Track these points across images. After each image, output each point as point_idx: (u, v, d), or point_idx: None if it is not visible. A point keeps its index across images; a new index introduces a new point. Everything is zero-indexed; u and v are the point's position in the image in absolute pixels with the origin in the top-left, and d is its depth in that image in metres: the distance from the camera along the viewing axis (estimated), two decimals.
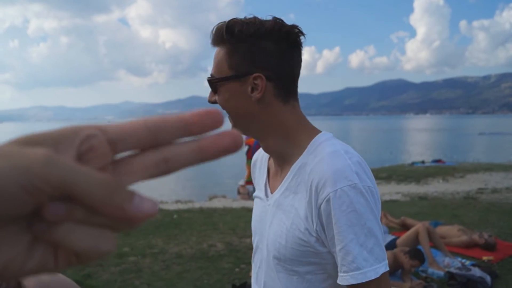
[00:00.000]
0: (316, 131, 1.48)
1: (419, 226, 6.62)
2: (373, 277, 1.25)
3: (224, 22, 1.39)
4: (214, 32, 1.42)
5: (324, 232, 1.31)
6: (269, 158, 1.67)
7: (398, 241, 6.60)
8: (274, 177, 1.58)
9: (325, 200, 1.28)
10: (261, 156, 1.74)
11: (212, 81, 1.44)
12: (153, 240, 7.84)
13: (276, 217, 1.47)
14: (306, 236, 1.34)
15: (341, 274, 1.29)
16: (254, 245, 1.65)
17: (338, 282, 1.31)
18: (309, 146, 1.42)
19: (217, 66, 1.42)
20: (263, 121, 1.44)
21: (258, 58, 1.38)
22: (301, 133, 1.47)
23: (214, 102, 1.45)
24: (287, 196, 1.44)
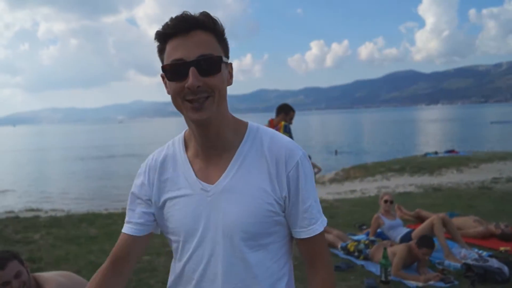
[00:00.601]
0: (242, 120, 1.65)
1: (433, 218, 6.57)
2: (326, 224, 1.63)
3: (203, 12, 1.46)
4: (200, 16, 1.44)
5: (289, 197, 1.53)
6: (185, 152, 1.65)
7: (413, 234, 6.56)
8: (203, 171, 1.59)
9: (293, 168, 1.52)
10: (167, 156, 1.68)
11: (217, 59, 1.45)
12: (167, 239, 7.84)
13: (229, 202, 1.51)
14: (275, 206, 1.51)
15: (308, 228, 1.57)
16: (189, 246, 1.60)
17: (298, 236, 1.59)
18: (247, 132, 1.59)
19: (210, 47, 1.44)
20: (225, 107, 1.54)
21: (228, 49, 1.54)
22: (236, 122, 1.62)
23: (197, 87, 1.41)
24: (240, 178, 1.53)
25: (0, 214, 13.05)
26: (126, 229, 1.68)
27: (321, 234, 1.60)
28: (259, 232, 1.52)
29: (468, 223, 7.35)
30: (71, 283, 3.53)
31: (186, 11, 1.45)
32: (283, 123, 7.21)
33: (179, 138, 1.71)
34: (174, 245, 1.67)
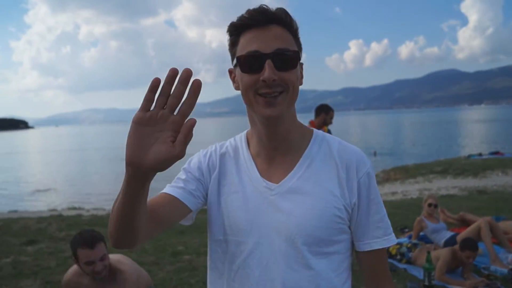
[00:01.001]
0: (305, 126, 1.59)
1: (481, 222, 6.40)
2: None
3: (280, 8, 1.41)
4: (277, 11, 1.39)
5: (358, 204, 1.46)
6: (248, 149, 1.58)
7: (459, 238, 6.40)
8: (269, 166, 1.52)
9: (365, 174, 1.47)
10: (228, 148, 1.62)
11: (294, 54, 1.39)
12: (207, 239, 7.89)
13: (294, 203, 1.44)
14: (343, 212, 1.44)
15: (383, 238, 1.49)
16: (244, 247, 1.48)
17: (367, 248, 1.49)
18: (314, 136, 1.55)
19: (287, 41, 1.39)
20: (294, 108, 1.50)
21: (301, 48, 1.49)
22: (301, 126, 1.57)
23: (273, 80, 1.34)
24: (308, 179, 1.46)
25: (44, 212, 13.39)
26: (171, 190, 1.52)
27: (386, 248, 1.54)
28: (324, 237, 1.43)
29: None
30: (133, 265, 3.65)
31: (263, 4, 1.40)
32: (326, 128, 7.14)
33: (240, 136, 1.65)
34: (223, 247, 1.53)
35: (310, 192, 1.44)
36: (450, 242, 6.47)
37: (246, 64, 1.39)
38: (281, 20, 1.39)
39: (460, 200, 11.17)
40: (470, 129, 71.96)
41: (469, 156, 23.76)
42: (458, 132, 63.11)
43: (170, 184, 1.56)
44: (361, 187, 1.45)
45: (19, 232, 9.64)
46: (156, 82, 0.98)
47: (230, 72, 1.50)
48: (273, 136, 1.48)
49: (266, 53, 1.35)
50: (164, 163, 1.02)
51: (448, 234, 6.80)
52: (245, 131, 1.64)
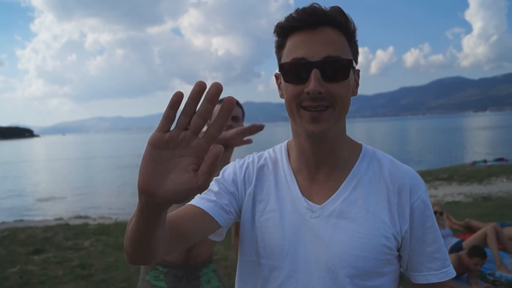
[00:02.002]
0: (354, 140, 1.44)
1: (487, 228, 6.42)
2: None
3: (335, 6, 1.25)
4: (331, 11, 1.23)
5: (411, 232, 1.29)
6: (289, 163, 1.41)
7: (465, 244, 6.42)
8: (307, 188, 1.36)
9: (419, 199, 1.29)
10: (267, 159, 1.46)
11: (345, 63, 1.23)
12: (215, 247, 7.91)
13: (337, 228, 1.27)
14: (392, 241, 1.27)
15: (441, 270, 1.30)
16: (279, 273, 1.32)
17: (423, 281, 1.31)
18: (363, 152, 1.39)
19: (340, 47, 1.23)
20: (344, 121, 1.34)
21: (357, 52, 1.33)
22: (350, 141, 1.41)
23: (318, 93, 1.18)
24: (353, 203, 1.29)
25: (50, 221, 13.42)
26: (201, 202, 1.35)
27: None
28: (369, 269, 1.26)
29: None
30: None
31: (316, 3, 1.23)
32: None
33: (280, 147, 1.48)
34: (255, 269, 1.38)
35: (356, 218, 1.27)
36: (455, 248, 6.49)
37: (290, 73, 1.24)
38: (335, 21, 1.23)
39: (465, 207, 11.16)
40: (475, 136, 71.72)
41: (474, 162, 23.68)
42: (463, 139, 62.89)
43: (199, 195, 1.37)
44: (414, 213, 1.28)
45: (26, 241, 9.68)
46: (178, 97, 0.82)
47: (277, 77, 1.36)
48: (318, 152, 1.33)
49: (313, 61, 1.19)
50: (183, 195, 0.85)
51: (454, 240, 6.81)
52: (286, 142, 1.48)
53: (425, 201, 1.29)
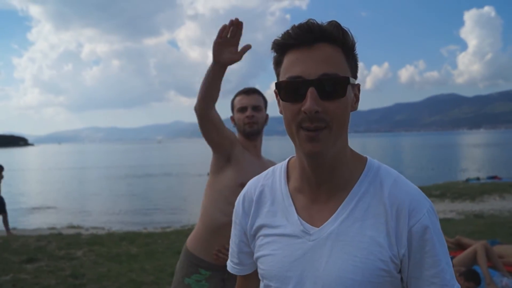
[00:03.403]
0: (360, 155, 1.41)
1: (477, 246, 6.48)
2: None
3: (332, 21, 1.24)
4: (328, 26, 1.22)
5: (409, 256, 1.25)
6: (287, 185, 1.42)
7: (455, 261, 6.47)
8: (306, 209, 1.36)
9: (418, 222, 1.24)
10: (265, 186, 1.47)
11: (342, 81, 1.22)
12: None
13: (335, 251, 1.27)
14: (389, 265, 1.24)
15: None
16: None
17: None
18: (365, 171, 1.34)
19: (336, 64, 1.22)
20: (344, 139, 1.31)
21: (357, 66, 1.32)
22: (354, 157, 1.38)
23: (315, 112, 1.19)
24: (351, 225, 1.27)
25: (43, 230, 13.40)
26: (240, 271, 1.57)
27: None
28: None
29: (510, 251, 7.19)
30: None
31: (312, 19, 1.23)
32: None
33: (281, 166, 1.48)
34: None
35: (352, 241, 1.26)
36: None
37: (286, 92, 1.24)
38: (332, 36, 1.22)
39: (457, 224, 11.23)
40: (468, 153, 72.00)
41: (467, 180, 23.78)
42: (457, 156, 63.12)
43: (234, 261, 1.57)
44: (412, 237, 1.24)
45: (19, 250, 9.66)
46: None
47: (276, 93, 1.32)
48: (318, 171, 1.31)
49: (309, 79, 1.19)
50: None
51: None
52: (287, 160, 1.49)
53: (425, 224, 1.24)
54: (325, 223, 1.30)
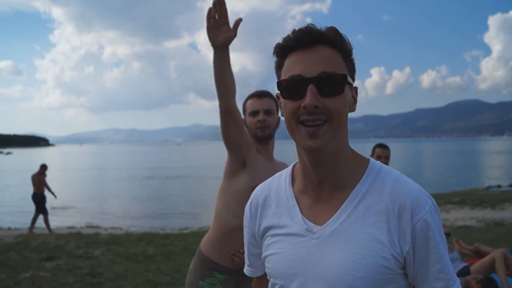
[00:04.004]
0: (363, 156, 1.45)
1: (496, 253, 6.40)
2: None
3: (330, 26, 1.31)
4: (326, 31, 1.29)
5: (414, 253, 1.28)
6: (293, 189, 1.47)
7: (472, 268, 6.41)
8: (311, 208, 1.40)
9: (421, 220, 1.26)
10: (270, 190, 1.53)
11: (340, 78, 1.28)
12: None
13: (335, 249, 1.31)
14: (391, 262, 1.27)
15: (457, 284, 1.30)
16: None
17: None
18: (367, 172, 1.37)
19: (335, 64, 1.28)
20: (343, 137, 1.36)
21: (354, 70, 1.38)
22: (355, 157, 1.42)
23: (315, 107, 1.24)
24: (352, 223, 1.30)
25: (62, 230, 13.58)
26: (254, 272, 1.63)
27: None
28: (368, 287, 1.28)
29: None
30: None
31: (311, 24, 1.30)
32: None
33: (287, 171, 1.53)
34: (272, 286, 1.48)
35: (354, 239, 1.29)
36: (463, 272, 6.47)
37: (287, 90, 1.30)
38: (330, 39, 1.28)
39: (476, 232, 11.11)
40: (490, 160, 71.09)
41: (488, 187, 23.52)
42: (478, 163, 62.37)
43: (246, 263, 1.64)
44: (416, 234, 1.26)
45: (38, 248, 9.82)
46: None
47: (278, 97, 1.39)
48: (318, 168, 1.35)
49: (308, 77, 1.25)
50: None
51: (462, 264, 6.79)
52: (292, 165, 1.54)
53: (428, 221, 1.26)
54: (328, 222, 1.33)
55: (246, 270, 1.65)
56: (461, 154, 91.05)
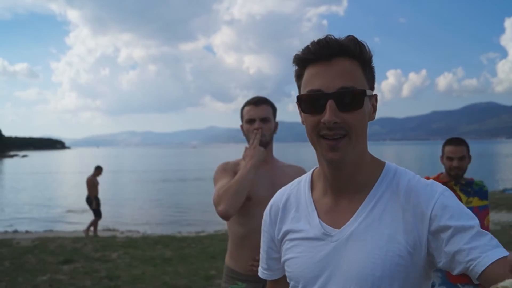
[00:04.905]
0: (379, 160, 1.47)
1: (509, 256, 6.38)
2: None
3: (349, 36, 1.32)
4: (345, 41, 1.30)
5: (437, 240, 1.23)
6: (311, 193, 1.51)
7: None
8: (329, 213, 1.43)
9: (436, 204, 1.25)
10: (290, 195, 1.57)
11: (359, 94, 1.29)
12: None
13: (355, 250, 1.33)
14: (406, 260, 1.28)
15: (486, 253, 1.12)
16: None
17: (479, 263, 1.12)
18: (383, 173, 1.41)
19: (354, 78, 1.29)
20: (363, 147, 1.38)
21: (374, 78, 1.39)
22: (373, 162, 1.44)
23: (334, 123, 1.26)
24: (369, 225, 1.33)
25: (80, 233, 13.69)
26: (270, 275, 1.66)
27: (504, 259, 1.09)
28: (388, 285, 1.29)
29: None
30: None
31: (330, 35, 1.30)
32: None
33: (306, 176, 1.58)
34: None
35: (371, 240, 1.31)
36: None
37: (307, 105, 1.32)
38: (349, 51, 1.29)
39: (492, 234, 11.03)
40: (506, 163, 70.34)
41: (504, 190, 23.32)
42: (494, 166, 61.71)
43: (263, 267, 1.66)
44: (433, 220, 1.24)
45: (56, 251, 9.93)
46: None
47: (298, 105, 1.39)
48: (338, 177, 1.40)
49: (328, 93, 1.27)
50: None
51: None
52: (312, 170, 1.58)
53: (444, 203, 1.25)
54: (345, 225, 1.37)
55: (262, 273, 1.67)
56: (477, 157, 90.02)
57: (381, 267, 1.28)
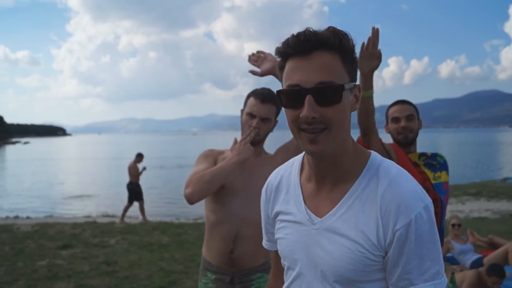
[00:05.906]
0: (364, 149, 1.47)
1: (509, 245, 6.38)
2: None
3: (329, 27, 1.31)
4: (325, 33, 1.28)
5: (392, 255, 1.30)
6: (300, 178, 1.55)
7: (485, 260, 6.39)
8: (313, 198, 1.47)
9: (404, 226, 1.27)
10: (283, 177, 1.61)
11: (337, 88, 1.28)
12: None
13: (331, 242, 1.38)
14: (378, 257, 1.32)
15: (421, 285, 1.27)
16: (291, 273, 1.52)
17: None
18: (367, 167, 1.40)
19: (333, 71, 1.28)
20: (344, 138, 1.38)
21: (355, 69, 1.38)
22: (357, 152, 1.44)
23: (312, 118, 1.27)
24: (347, 220, 1.36)
25: (79, 219, 13.75)
26: (264, 244, 1.78)
27: None
28: (357, 279, 1.35)
29: None
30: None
31: (309, 27, 1.29)
32: None
33: (299, 158, 1.60)
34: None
35: (347, 234, 1.34)
36: (476, 264, 6.47)
37: (286, 99, 1.32)
38: (328, 43, 1.28)
39: (491, 223, 11.04)
40: (508, 151, 70.30)
41: (505, 179, 23.31)
42: (496, 154, 61.72)
43: (265, 239, 1.76)
44: (395, 240, 1.29)
45: (55, 237, 9.97)
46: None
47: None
48: (320, 166, 1.42)
49: (306, 88, 1.26)
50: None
51: (475, 256, 6.78)
52: (303, 153, 1.57)
53: (411, 229, 1.27)
54: (327, 215, 1.40)
55: (265, 244, 1.76)
56: (479, 145, 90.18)
57: (353, 261, 1.33)
